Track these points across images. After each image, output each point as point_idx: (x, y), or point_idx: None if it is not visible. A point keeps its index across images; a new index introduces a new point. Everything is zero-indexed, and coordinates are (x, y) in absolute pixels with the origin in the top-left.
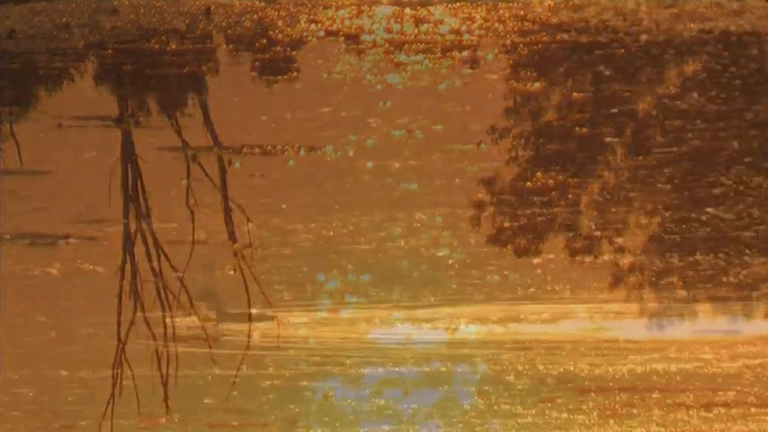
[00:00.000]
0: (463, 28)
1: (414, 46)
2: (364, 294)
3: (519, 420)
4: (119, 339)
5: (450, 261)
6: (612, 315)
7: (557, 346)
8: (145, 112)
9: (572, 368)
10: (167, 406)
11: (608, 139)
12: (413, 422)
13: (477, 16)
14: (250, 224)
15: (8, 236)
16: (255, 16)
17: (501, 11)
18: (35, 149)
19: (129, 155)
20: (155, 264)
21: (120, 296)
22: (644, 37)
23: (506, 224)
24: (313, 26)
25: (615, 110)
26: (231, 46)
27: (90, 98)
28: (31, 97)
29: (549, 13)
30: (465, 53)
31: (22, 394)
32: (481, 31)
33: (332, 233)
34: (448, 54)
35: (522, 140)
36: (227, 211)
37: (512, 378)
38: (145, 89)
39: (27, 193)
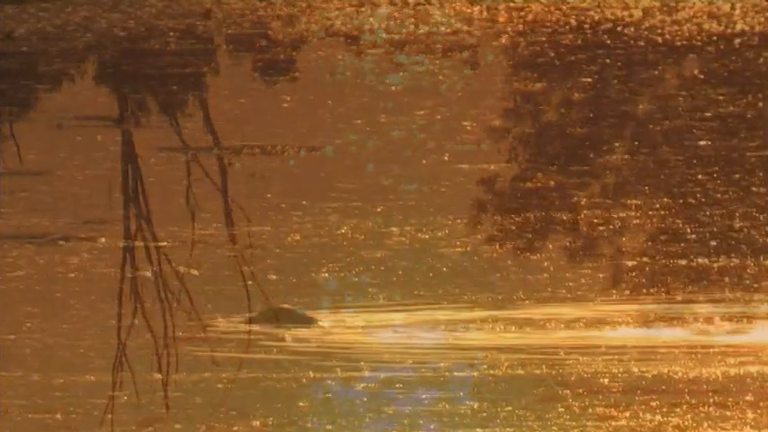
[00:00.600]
0: (463, 28)
1: (414, 46)
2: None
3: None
4: (119, 340)
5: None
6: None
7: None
8: (145, 112)
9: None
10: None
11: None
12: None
13: (478, 16)
14: (250, 223)
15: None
16: (255, 16)
17: (501, 11)
18: (35, 149)
19: (129, 155)
20: (155, 264)
21: (120, 296)
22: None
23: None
24: (313, 26)
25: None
26: (231, 46)
27: (90, 98)
28: (31, 97)
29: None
30: (465, 53)
31: None
32: (481, 32)
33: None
34: (448, 54)
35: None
36: (228, 212)
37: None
38: (145, 89)
39: (27, 193)
